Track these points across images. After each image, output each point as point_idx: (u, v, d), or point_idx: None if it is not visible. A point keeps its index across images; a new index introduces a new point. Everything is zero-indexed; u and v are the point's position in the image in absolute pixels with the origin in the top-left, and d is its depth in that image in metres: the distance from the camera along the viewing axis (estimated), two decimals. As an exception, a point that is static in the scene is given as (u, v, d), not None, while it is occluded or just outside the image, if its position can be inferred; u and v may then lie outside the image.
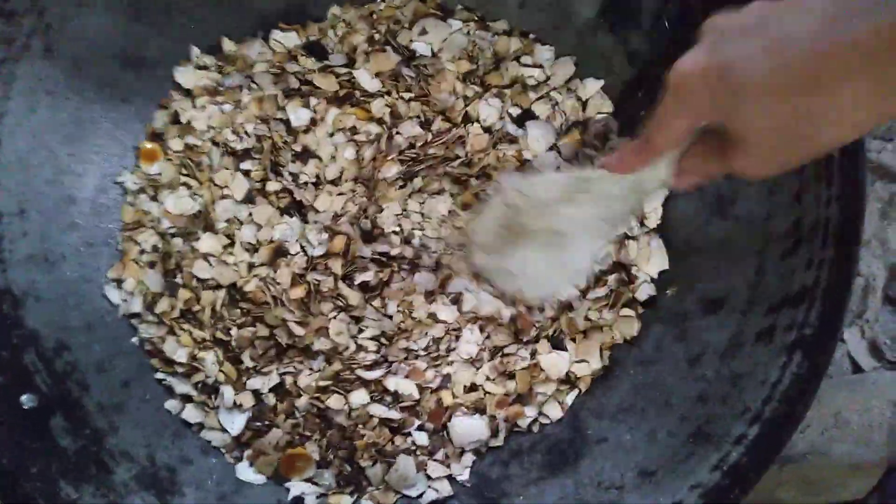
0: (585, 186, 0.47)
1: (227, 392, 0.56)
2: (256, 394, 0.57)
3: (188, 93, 0.64)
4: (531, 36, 0.64)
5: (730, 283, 0.54)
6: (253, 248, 0.59)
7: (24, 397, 0.50)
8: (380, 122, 0.62)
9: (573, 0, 0.61)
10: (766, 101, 0.33)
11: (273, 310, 0.57)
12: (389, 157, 0.61)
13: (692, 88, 0.36)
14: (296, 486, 0.55)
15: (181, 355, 0.57)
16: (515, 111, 0.63)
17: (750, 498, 0.48)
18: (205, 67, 0.64)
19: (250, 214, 0.60)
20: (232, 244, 0.60)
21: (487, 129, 0.62)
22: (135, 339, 0.58)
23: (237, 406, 0.56)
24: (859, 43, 0.29)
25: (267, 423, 0.57)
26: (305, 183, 0.60)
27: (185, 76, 0.63)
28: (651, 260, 0.60)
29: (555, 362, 0.58)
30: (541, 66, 0.63)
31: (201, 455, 0.56)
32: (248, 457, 0.56)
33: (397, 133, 0.62)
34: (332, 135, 0.62)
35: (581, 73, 0.63)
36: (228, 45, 0.64)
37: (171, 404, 0.57)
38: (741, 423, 0.49)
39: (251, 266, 0.59)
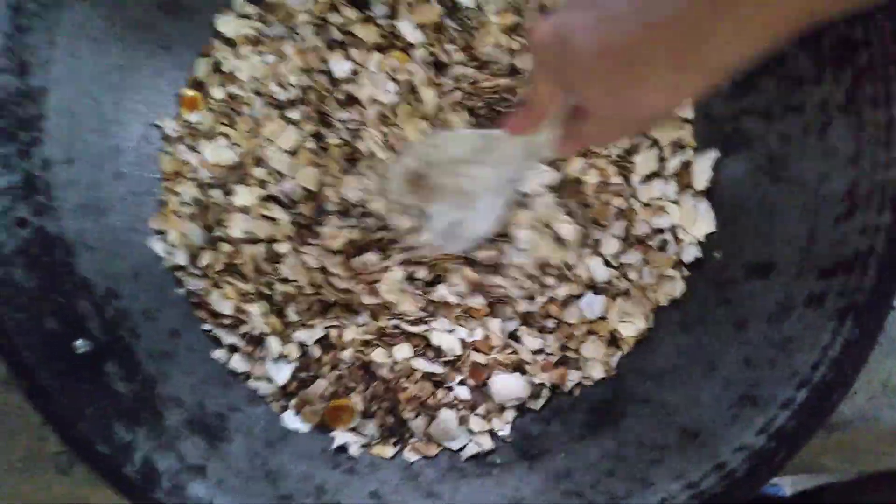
0: (489, 146, 0.49)
1: (274, 343, 0.57)
2: (302, 346, 0.58)
3: (229, 42, 0.63)
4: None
5: (780, 247, 0.54)
6: (292, 202, 0.59)
7: (77, 342, 0.51)
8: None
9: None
10: (596, 69, 0.34)
11: (310, 272, 0.58)
12: (445, 87, 0.60)
13: (544, 54, 0.38)
14: (340, 436, 0.56)
15: (226, 308, 0.58)
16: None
17: (794, 463, 0.48)
18: (247, 16, 0.63)
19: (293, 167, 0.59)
20: (270, 198, 0.60)
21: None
22: (181, 290, 0.59)
23: (283, 357, 0.57)
24: (662, 23, 0.31)
25: (312, 374, 0.57)
26: (357, 130, 0.60)
27: (227, 25, 0.63)
28: (697, 222, 0.59)
29: (590, 305, 0.58)
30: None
31: (248, 404, 0.57)
32: (294, 406, 0.57)
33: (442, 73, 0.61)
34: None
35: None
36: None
37: (219, 353, 0.58)
38: (789, 387, 0.49)
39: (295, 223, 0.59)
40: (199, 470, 0.51)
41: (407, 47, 0.62)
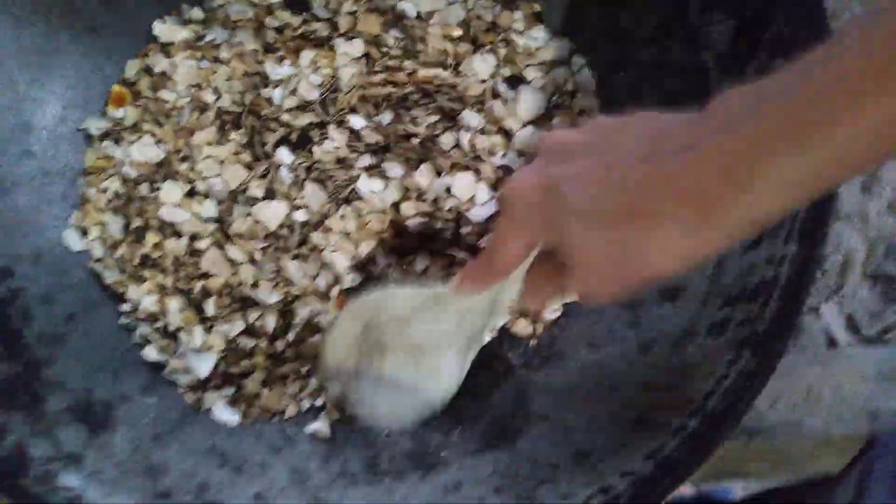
0: (442, 301, 0.45)
1: (197, 334, 0.56)
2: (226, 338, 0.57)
3: (165, 46, 0.62)
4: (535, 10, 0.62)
5: (690, 272, 0.53)
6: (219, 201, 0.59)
7: (-43, 320, 0.49)
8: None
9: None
10: (590, 227, 0.32)
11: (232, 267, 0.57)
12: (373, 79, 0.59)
13: (523, 207, 0.35)
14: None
15: (148, 302, 0.57)
16: (506, 73, 0.61)
17: (719, 468, 0.47)
18: (187, 21, 0.62)
19: (221, 164, 0.58)
20: (194, 193, 0.59)
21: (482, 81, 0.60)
22: (82, 275, 0.58)
23: (205, 348, 0.56)
24: (671, 178, 0.28)
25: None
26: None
27: (165, 30, 0.61)
28: None
29: None
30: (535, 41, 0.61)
31: (140, 394, 0.55)
32: (229, 398, 0.56)
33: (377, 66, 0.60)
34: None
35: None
36: (210, 2, 0.63)
37: (149, 352, 0.57)
38: (681, 414, 0.48)
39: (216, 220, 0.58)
40: (75, 459, 0.49)
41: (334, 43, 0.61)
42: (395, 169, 0.58)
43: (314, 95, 0.59)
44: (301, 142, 0.59)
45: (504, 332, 0.59)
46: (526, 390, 0.57)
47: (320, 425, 0.56)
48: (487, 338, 0.47)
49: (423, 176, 0.58)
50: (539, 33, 0.61)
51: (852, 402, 0.64)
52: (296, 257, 0.57)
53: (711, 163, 0.27)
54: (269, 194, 0.58)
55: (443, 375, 0.49)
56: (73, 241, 0.58)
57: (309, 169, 0.58)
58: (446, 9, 0.61)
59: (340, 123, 0.58)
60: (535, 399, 0.56)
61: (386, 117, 0.59)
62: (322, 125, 0.59)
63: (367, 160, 0.58)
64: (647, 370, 0.52)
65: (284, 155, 0.58)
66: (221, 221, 0.58)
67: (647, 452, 0.48)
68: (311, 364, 0.57)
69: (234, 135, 0.59)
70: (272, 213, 0.57)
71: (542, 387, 0.56)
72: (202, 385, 0.57)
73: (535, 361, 0.58)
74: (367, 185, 0.57)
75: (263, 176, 0.58)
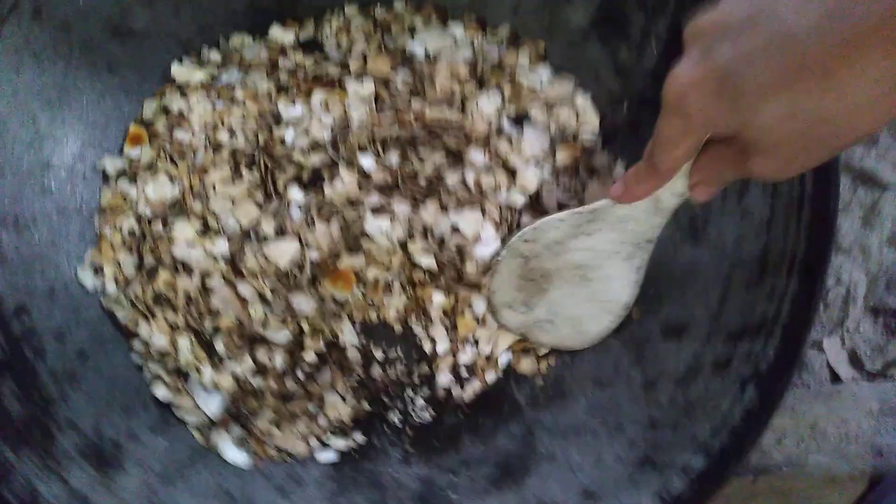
0: (592, 216, 0.47)
1: (206, 372, 0.57)
2: (235, 377, 0.57)
3: (182, 86, 0.64)
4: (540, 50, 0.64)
5: (694, 309, 0.54)
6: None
7: (-26, 357, 0.50)
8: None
9: (566, 7, 0.60)
10: (776, 104, 0.30)
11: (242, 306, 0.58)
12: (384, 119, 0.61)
13: (692, 102, 0.33)
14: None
15: (159, 340, 0.57)
16: (512, 110, 0.62)
17: None
18: (205, 63, 0.64)
19: (233, 202, 0.60)
20: (206, 231, 0.60)
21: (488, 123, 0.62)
22: (94, 313, 0.59)
23: (214, 387, 0.57)
24: (869, 29, 0.26)
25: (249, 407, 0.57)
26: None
27: (182, 71, 0.63)
28: None
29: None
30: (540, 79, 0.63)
31: (149, 433, 0.55)
32: (237, 438, 0.56)
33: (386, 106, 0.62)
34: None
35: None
36: (226, 44, 0.65)
37: (160, 391, 0.57)
38: (688, 452, 0.48)
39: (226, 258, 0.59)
40: (83, 499, 0.49)
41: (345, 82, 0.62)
42: (402, 207, 0.59)
43: (325, 136, 0.61)
44: (312, 181, 0.60)
45: (510, 371, 0.59)
46: (532, 429, 0.57)
47: (332, 455, 0.57)
48: (649, 234, 0.49)
49: (429, 214, 0.59)
50: (543, 71, 0.63)
51: (857, 439, 0.64)
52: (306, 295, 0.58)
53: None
54: (281, 232, 0.59)
55: (614, 283, 0.51)
56: (88, 280, 0.59)
57: (320, 208, 0.59)
58: (453, 49, 0.63)
59: (350, 163, 0.60)
60: (542, 439, 0.56)
61: (393, 157, 0.60)
62: (333, 164, 0.60)
63: (375, 199, 0.59)
64: (652, 408, 0.52)
65: (296, 194, 0.59)
66: (233, 259, 0.59)
67: (654, 491, 0.48)
68: (320, 403, 0.57)
69: (247, 174, 0.61)
70: (283, 252, 0.58)
71: (548, 426, 0.56)
72: (211, 424, 0.57)
73: (541, 401, 0.58)
74: (376, 224, 0.58)
75: (275, 214, 0.59)
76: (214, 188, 0.60)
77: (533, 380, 0.59)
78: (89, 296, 0.59)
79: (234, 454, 0.56)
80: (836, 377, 0.70)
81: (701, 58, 0.32)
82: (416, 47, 0.63)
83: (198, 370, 0.57)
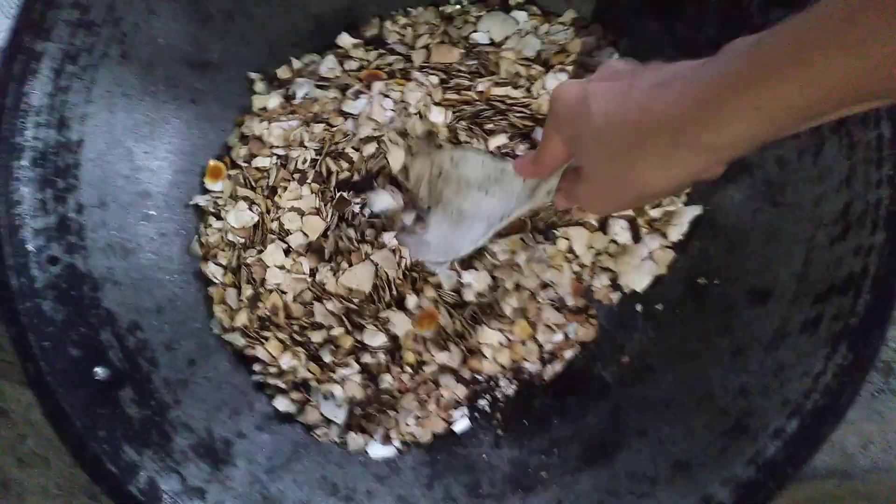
0: (499, 177, 0.52)
1: (337, 390, 0.60)
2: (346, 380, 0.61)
3: (259, 111, 0.68)
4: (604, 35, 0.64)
5: (778, 272, 0.52)
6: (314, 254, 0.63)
7: (97, 369, 0.55)
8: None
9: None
10: (601, 140, 0.36)
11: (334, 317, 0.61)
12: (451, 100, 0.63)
13: (561, 112, 0.39)
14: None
15: (287, 361, 0.61)
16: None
17: None
18: (278, 82, 0.68)
19: (301, 216, 0.63)
20: (290, 251, 0.63)
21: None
22: (197, 325, 0.63)
23: (335, 397, 0.60)
24: (658, 110, 0.32)
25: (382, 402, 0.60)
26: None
27: (260, 99, 0.67)
28: (637, 273, 0.60)
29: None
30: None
31: (255, 431, 0.59)
32: (381, 435, 0.60)
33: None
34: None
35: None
36: (298, 63, 0.68)
37: (280, 403, 0.61)
38: (780, 416, 0.47)
39: (313, 272, 0.62)
40: (200, 492, 0.54)
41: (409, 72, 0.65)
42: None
43: (386, 117, 0.63)
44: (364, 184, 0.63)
45: (593, 348, 0.60)
46: (621, 407, 0.57)
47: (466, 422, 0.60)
48: (517, 215, 0.52)
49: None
50: (607, 52, 0.63)
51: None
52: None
53: (689, 94, 0.31)
54: (346, 253, 0.62)
55: (467, 237, 0.55)
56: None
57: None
58: (520, 39, 0.64)
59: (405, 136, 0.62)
60: (631, 415, 0.56)
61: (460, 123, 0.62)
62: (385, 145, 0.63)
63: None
64: (742, 375, 0.51)
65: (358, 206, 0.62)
66: (315, 274, 0.62)
67: (747, 457, 0.47)
68: (437, 385, 0.60)
69: (310, 186, 0.63)
70: (361, 278, 0.60)
71: (636, 402, 0.56)
72: (347, 429, 0.60)
73: (628, 377, 0.58)
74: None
75: (339, 225, 0.62)
76: (285, 206, 0.63)
77: (618, 358, 0.59)
78: (192, 310, 0.63)
79: (380, 450, 0.59)
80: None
81: (585, 83, 0.38)
82: (481, 35, 0.65)
83: (318, 381, 0.60)
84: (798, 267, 0.51)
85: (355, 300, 0.60)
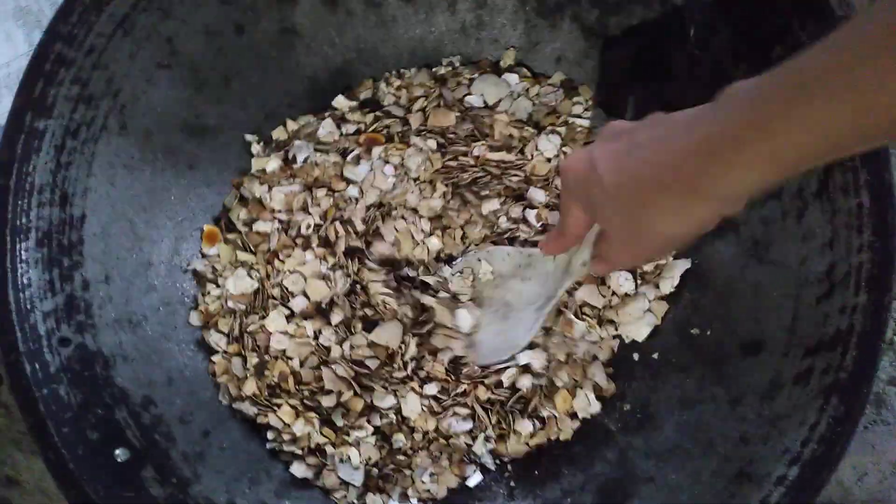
0: (529, 262, 0.55)
1: (352, 453, 0.61)
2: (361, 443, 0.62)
3: (256, 174, 0.68)
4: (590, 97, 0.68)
5: (769, 325, 0.57)
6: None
7: (118, 451, 0.55)
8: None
9: (606, 54, 0.64)
10: (612, 200, 0.38)
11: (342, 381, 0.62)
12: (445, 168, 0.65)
13: (572, 182, 0.41)
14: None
15: (300, 428, 0.61)
16: (568, 151, 0.66)
17: None
18: (279, 146, 0.69)
19: (305, 280, 0.64)
20: (293, 316, 0.64)
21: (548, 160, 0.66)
22: (208, 394, 0.64)
23: (350, 460, 0.61)
24: (666, 163, 0.34)
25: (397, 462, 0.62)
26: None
27: (258, 162, 0.68)
28: (638, 324, 0.64)
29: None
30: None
31: (275, 498, 0.60)
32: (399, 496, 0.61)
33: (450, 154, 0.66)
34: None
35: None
36: (293, 124, 0.69)
37: (297, 469, 0.62)
38: (781, 464, 0.52)
39: (317, 335, 0.63)
40: (231, 568, 0.54)
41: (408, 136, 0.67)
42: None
43: (388, 184, 0.65)
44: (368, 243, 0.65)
45: (597, 398, 0.63)
46: (627, 453, 0.60)
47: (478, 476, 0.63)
48: (562, 293, 0.54)
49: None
50: (596, 113, 0.67)
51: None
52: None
53: (691, 147, 0.33)
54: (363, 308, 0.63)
55: (521, 327, 0.57)
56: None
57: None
58: (513, 101, 0.67)
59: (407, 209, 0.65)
60: (638, 462, 0.59)
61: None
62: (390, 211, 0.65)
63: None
64: (740, 424, 0.56)
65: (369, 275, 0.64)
66: (318, 337, 0.63)
67: (755, 503, 0.51)
68: (448, 441, 0.62)
69: (314, 251, 0.65)
70: (390, 335, 0.62)
71: (642, 449, 0.60)
72: (365, 490, 0.61)
73: (631, 425, 0.62)
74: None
75: (348, 294, 0.64)
76: (287, 270, 0.64)
77: (620, 406, 0.63)
78: (202, 380, 0.64)
79: None
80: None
81: (590, 149, 0.40)
82: (475, 99, 0.67)
83: (333, 445, 0.61)
84: (787, 321, 0.55)
85: (369, 363, 0.61)
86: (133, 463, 0.56)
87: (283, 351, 0.63)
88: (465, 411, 0.61)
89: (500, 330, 0.59)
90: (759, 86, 0.31)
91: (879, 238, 0.51)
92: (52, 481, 0.52)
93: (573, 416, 0.63)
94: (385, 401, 0.61)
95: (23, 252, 0.56)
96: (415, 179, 0.65)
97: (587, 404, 0.63)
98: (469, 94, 0.68)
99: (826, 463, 0.50)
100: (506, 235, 0.64)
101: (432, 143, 0.66)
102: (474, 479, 0.62)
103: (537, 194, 0.64)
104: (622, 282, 0.63)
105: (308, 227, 0.65)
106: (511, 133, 0.66)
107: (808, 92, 0.28)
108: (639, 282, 0.64)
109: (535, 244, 0.63)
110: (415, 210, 0.64)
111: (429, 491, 0.61)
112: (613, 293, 0.64)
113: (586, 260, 0.48)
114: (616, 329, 0.64)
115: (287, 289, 0.64)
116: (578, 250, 0.48)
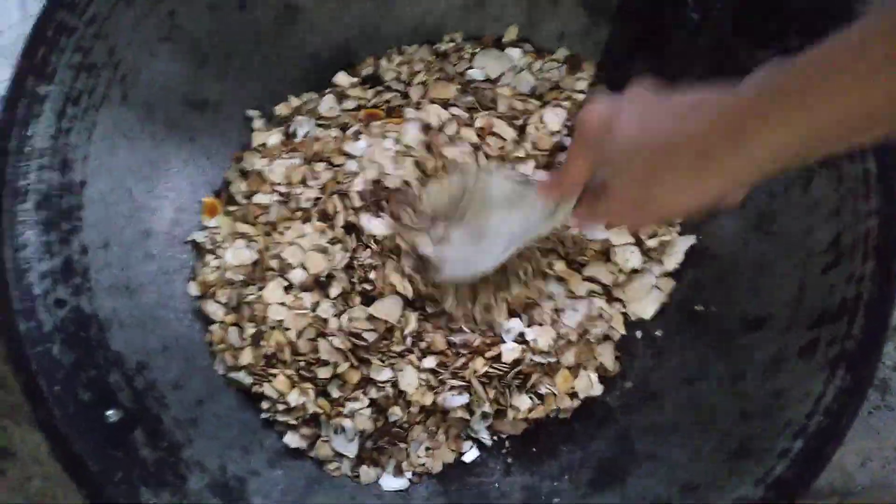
0: (521, 197, 0.53)
1: (347, 424, 0.60)
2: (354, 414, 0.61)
3: (258, 147, 0.68)
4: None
5: (772, 300, 0.55)
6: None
7: (109, 412, 0.55)
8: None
9: (608, 32, 0.63)
10: (628, 162, 0.38)
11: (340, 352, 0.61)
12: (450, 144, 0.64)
13: (589, 134, 0.41)
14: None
15: (295, 398, 0.60)
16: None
17: None
18: (281, 122, 0.69)
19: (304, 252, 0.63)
20: (291, 287, 0.63)
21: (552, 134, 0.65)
22: (205, 363, 0.63)
23: (345, 430, 0.60)
24: (684, 134, 0.35)
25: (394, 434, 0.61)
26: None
27: (260, 135, 0.68)
28: (645, 301, 0.62)
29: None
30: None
31: (267, 468, 0.60)
32: (394, 468, 0.60)
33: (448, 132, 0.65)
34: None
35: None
36: (296, 101, 0.69)
37: (291, 439, 0.61)
38: (784, 437, 0.50)
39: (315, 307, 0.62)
40: (219, 532, 0.53)
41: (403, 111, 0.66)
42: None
43: (388, 158, 0.64)
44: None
45: (599, 377, 0.62)
46: (628, 431, 0.59)
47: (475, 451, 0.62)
48: (534, 235, 0.54)
49: None
50: (600, 89, 0.66)
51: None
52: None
53: (715, 119, 0.33)
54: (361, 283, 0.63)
55: (490, 253, 0.56)
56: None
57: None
58: (515, 75, 0.66)
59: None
60: (638, 439, 0.58)
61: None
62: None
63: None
64: (742, 400, 0.54)
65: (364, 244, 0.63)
66: (316, 308, 0.62)
67: (756, 477, 0.49)
68: (445, 416, 0.61)
69: (313, 224, 0.64)
70: (389, 309, 0.61)
71: (643, 427, 0.58)
72: (359, 462, 0.61)
73: (633, 403, 0.60)
74: None
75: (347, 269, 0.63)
76: (286, 242, 0.63)
77: (622, 384, 0.61)
78: (198, 348, 0.63)
79: (392, 482, 0.60)
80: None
81: (612, 103, 0.40)
82: (477, 72, 0.67)
83: (328, 416, 0.60)
84: (791, 294, 0.54)
85: (367, 336, 0.60)
86: (124, 424, 0.55)
87: (281, 321, 0.62)
88: (461, 383, 0.60)
89: (469, 252, 0.57)
90: (792, 65, 0.30)
91: (887, 203, 0.49)
92: (47, 452, 0.52)
93: (573, 395, 0.62)
94: (382, 374, 0.60)
95: (21, 213, 0.56)
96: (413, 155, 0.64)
97: (589, 385, 0.61)
98: (471, 67, 0.67)
99: (832, 435, 0.48)
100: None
101: (432, 110, 0.65)
102: (471, 454, 0.61)
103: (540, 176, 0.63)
104: (629, 255, 0.62)
105: (307, 199, 0.65)
106: (514, 105, 0.65)
107: (834, 72, 0.28)
108: (644, 258, 0.63)
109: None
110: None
111: (424, 465, 0.60)
112: (620, 270, 0.63)
113: (569, 212, 0.48)
114: (624, 307, 0.63)
115: (286, 260, 0.64)
116: (566, 203, 0.48)
